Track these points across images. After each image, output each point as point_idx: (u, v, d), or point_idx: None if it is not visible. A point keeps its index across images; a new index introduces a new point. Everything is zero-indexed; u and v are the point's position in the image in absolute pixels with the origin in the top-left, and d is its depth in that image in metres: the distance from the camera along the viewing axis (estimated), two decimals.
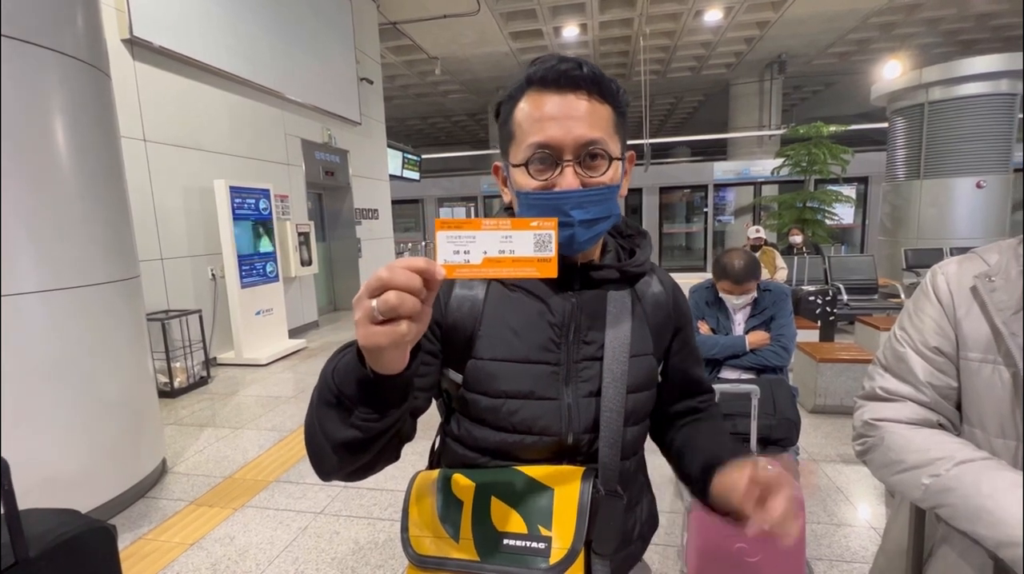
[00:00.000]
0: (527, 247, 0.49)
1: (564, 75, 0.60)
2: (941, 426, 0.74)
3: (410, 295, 0.43)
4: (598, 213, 0.62)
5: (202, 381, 4.22)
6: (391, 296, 0.42)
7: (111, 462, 2.30)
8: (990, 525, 0.61)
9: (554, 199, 0.61)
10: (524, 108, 0.63)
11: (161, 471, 2.68)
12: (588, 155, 0.61)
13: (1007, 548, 0.59)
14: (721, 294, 2.05)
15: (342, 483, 2.54)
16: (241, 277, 4.69)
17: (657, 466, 0.83)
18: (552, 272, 0.50)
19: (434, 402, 0.73)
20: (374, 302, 0.43)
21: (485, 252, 0.49)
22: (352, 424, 0.52)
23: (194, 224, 4.61)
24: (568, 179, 0.60)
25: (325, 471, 0.58)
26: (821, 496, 2.33)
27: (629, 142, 0.68)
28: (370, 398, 0.52)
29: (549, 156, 0.61)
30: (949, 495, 0.65)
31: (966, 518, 0.64)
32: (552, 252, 0.50)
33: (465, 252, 0.48)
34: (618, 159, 0.63)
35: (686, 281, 0.81)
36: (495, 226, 0.49)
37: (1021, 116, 7.14)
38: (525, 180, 0.62)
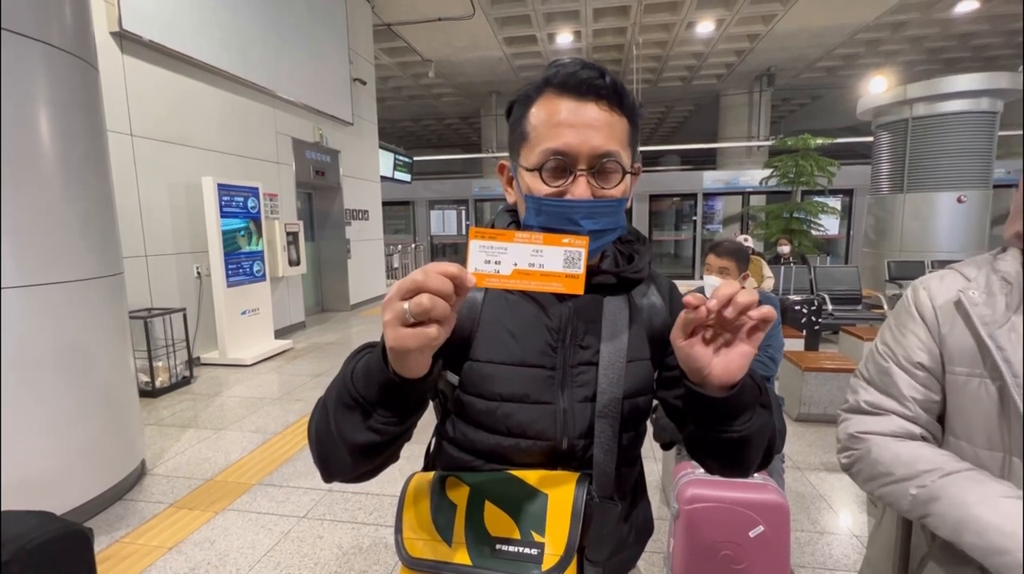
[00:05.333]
0: (557, 262, 0.50)
1: (585, 83, 0.59)
2: (924, 439, 0.75)
3: (441, 299, 0.44)
4: (607, 224, 0.62)
5: (185, 381, 4.15)
6: (424, 299, 0.43)
7: (88, 463, 2.25)
8: (977, 533, 0.61)
9: (565, 207, 0.60)
10: (540, 110, 0.62)
11: (140, 473, 2.63)
12: (602, 167, 0.60)
13: (995, 556, 0.60)
14: (704, 276, 2.08)
15: (326, 486, 2.50)
16: (227, 276, 4.63)
17: (646, 472, 0.83)
18: (579, 289, 0.51)
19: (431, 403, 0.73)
20: (406, 304, 0.44)
21: (515, 264, 0.50)
22: (371, 427, 0.53)
23: (180, 221, 4.54)
24: (580, 189, 0.60)
25: (333, 473, 0.59)
26: (805, 504, 2.35)
27: (638, 163, 0.67)
28: (391, 401, 0.52)
29: (563, 163, 0.60)
30: (936, 505, 0.66)
31: (953, 527, 0.64)
32: (581, 269, 0.50)
33: (496, 262, 0.50)
34: (630, 173, 0.63)
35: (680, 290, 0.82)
36: (527, 239, 0.50)
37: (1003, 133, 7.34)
38: (537, 185, 0.61)
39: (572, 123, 0.59)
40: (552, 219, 0.61)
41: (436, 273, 0.44)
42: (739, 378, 0.53)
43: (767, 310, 0.50)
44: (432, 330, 0.45)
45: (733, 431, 0.57)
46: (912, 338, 0.76)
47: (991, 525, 0.61)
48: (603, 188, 0.61)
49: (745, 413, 0.57)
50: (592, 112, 0.60)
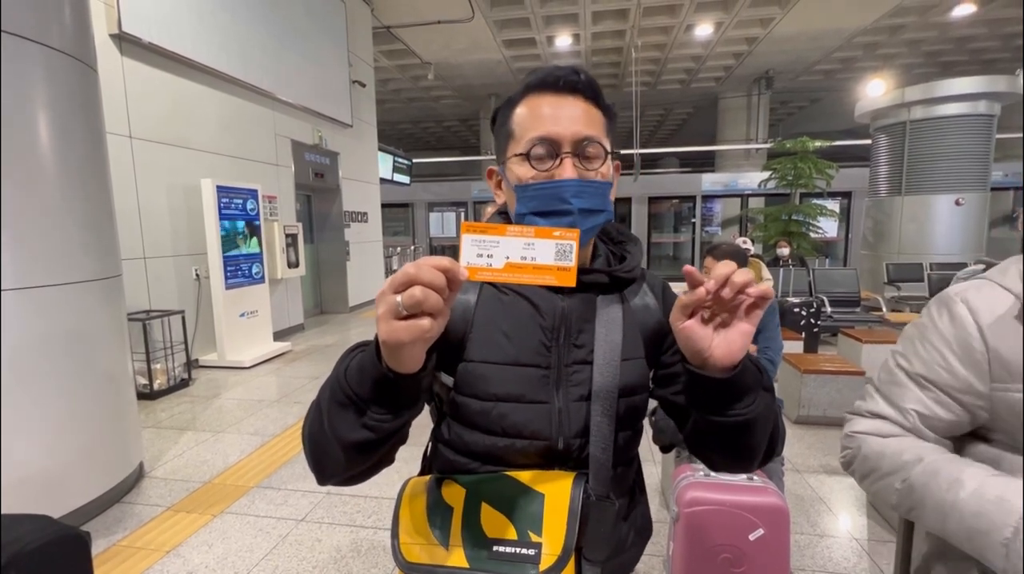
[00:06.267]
0: (548, 255, 0.51)
1: (562, 79, 0.64)
2: None
3: (434, 292, 0.44)
4: (595, 204, 0.63)
5: (183, 383, 4.14)
6: (417, 291, 0.44)
7: (86, 465, 2.24)
8: (957, 520, 0.61)
9: (554, 187, 0.62)
10: (524, 109, 0.65)
11: (138, 475, 2.62)
12: (585, 149, 0.63)
13: (977, 538, 0.59)
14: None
15: (324, 489, 2.50)
16: (226, 278, 4.62)
17: (645, 474, 0.83)
18: (571, 281, 0.51)
19: (426, 407, 0.72)
20: (399, 297, 0.44)
21: (507, 257, 0.50)
22: (365, 425, 0.53)
23: (179, 223, 4.54)
24: (567, 170, 0.62)
25: (326, 474, 0.59)
26: (804, 507, 2.35)
27: (619, 152, 0.69)
28: (385, 398, 0.52)
29: (549, 148, 0.63)
30: (915, 495, 0.66)
31: (934, 518, 0.64)
32: (572, 262, 0.51)
33: (488, 256, 0.50)
34: (610, 154, 0.66)
35: (674, 290, 0.82)
36: (519, 233, 0.51)
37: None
38: (524, 170, 0.64)
39: (554, 114, 0.63)
40: (543, 201, 0.62)
41: (428, 266, 0.45)
42: (740, 357, 0.53)
43: (764, 287, 0.51)
44: (425, 322, 0.45)
45: (737, 414, 0.57)
46: (936, 355, 0.72)
47: (967, 509, 0.60)
48: (588, 170, 0.63)
49: (748, 394, 0.57)
50: (571, 104, 0.64)
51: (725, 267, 0.50)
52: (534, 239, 0.51)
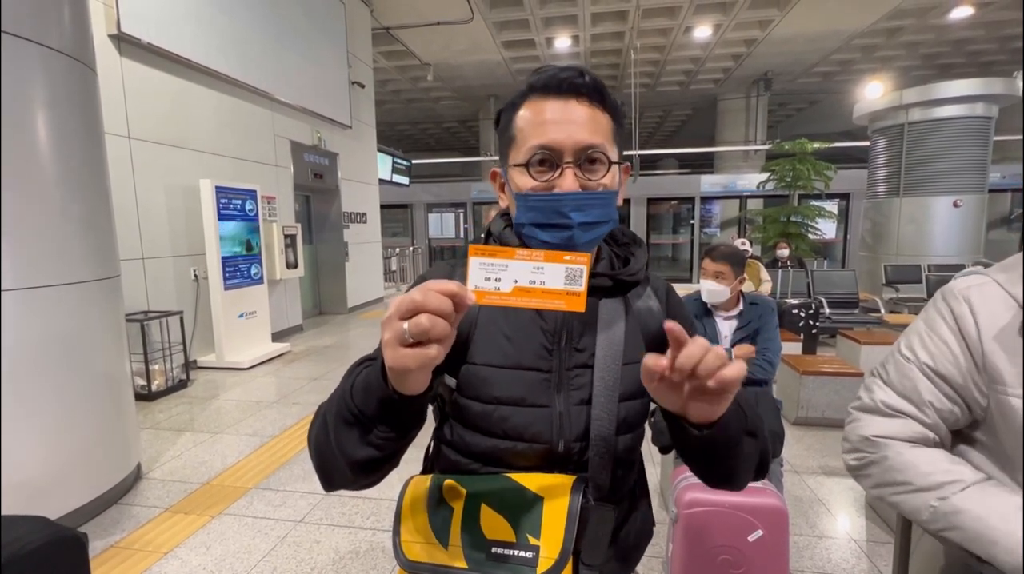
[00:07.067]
0: (558, 280, 0.50)
1: (566, 82, 0.62)
2: (937, 446, 0.73)
3: (441, 319, 0.43)
4: (597, 216, 0.62)
5: (181, 384, 4.13)
6: (424, 319, 0.43)
7: (83, 467, 2.23)
8: (1008, 550, 0.61)
9: (554, 201, 0.61)
10: (525, 113, 0.64)
11: (136, 477, 2.61)
12: (588, 159, 0.62)
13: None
14: (700, 280, 2.08)
15: (323, 490, 2.49)
16: (225, 278, 4.62)
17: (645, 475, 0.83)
18: (580, 306, 0.51)
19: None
20: (406, 324, 0.44)
21: (516, 281, 0.50)
22: (370, 442, 0.53)
23: (177, 224, 4.53)
24: (568, 181, 0.61)
25: (334, 485, 0.59)
26: (803, 508, 2.35)
27: (627, 156, 0.68)
28: (391, 418, 0.52)
29: (549, 158, 0.61)
30: (959, 518, 0.65)
31: (978, 542, 0.63)
32: (582, 287, 0.50)
33: (496, 279, 0.49)
34: (617, 164, 0.64)
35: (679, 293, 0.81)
36: (528, 256, 0.50)
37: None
38: (525, 180, 0.63)
39: (556, 120, 0.61)
40: (542, 214, 0.62)
41: (435, 291, 0.44)
42: (717, 418, 0.53)
43: (732, 375, 0.47)
44: (432, 350, 0.44)
45: (703, 431, 0.56)
46: (944, 348, 0.72)
47: (1018, 540, 0.60)
48: (591, 180, 0.62)
49: (728, 444, 0.57)
50: (575, 109, 0.61)
51: (696, 348, 0.46)
52: (543, 263, 0.50)
